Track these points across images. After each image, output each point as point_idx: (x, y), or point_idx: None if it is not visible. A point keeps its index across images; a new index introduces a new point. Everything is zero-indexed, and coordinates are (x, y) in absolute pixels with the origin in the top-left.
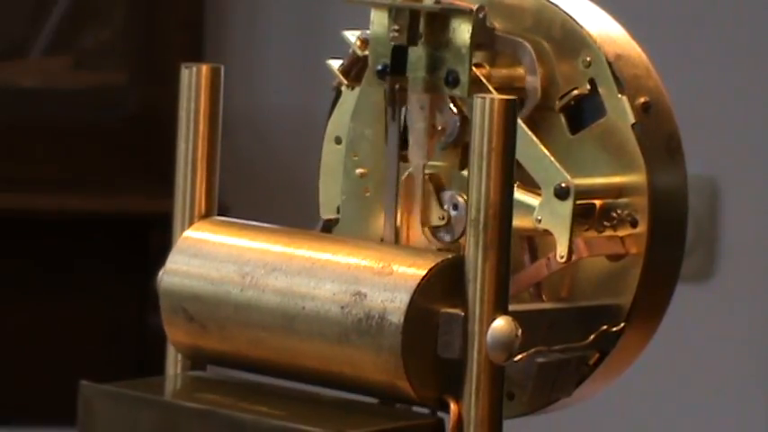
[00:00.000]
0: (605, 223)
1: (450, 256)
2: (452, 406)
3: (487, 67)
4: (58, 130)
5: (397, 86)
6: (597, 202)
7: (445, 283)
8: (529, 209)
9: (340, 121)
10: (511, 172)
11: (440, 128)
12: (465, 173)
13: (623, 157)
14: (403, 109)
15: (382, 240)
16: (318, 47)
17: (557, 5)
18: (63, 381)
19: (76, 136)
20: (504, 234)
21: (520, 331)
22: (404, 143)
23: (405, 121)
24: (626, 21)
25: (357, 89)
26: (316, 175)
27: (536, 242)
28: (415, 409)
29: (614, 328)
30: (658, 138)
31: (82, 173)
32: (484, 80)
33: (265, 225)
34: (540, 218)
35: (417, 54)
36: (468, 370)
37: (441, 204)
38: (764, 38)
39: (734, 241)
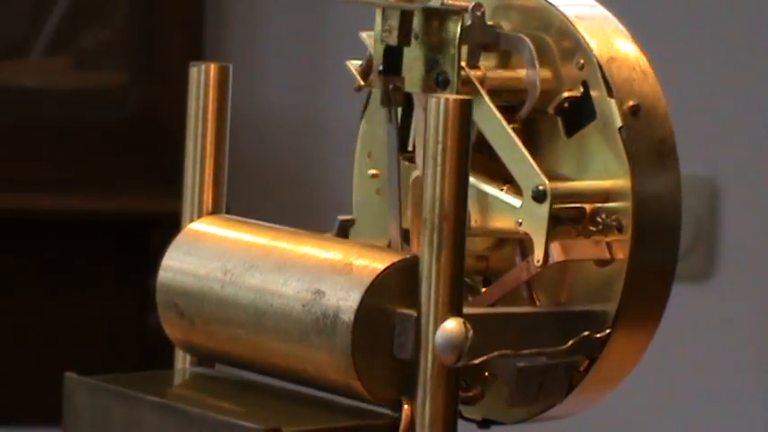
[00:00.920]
0: (591, 228)
1: (409, 255)
2: (405, 407)
3: (483, 69)
4: (58, 130)
5: (391, 87)
6: (587, 207)
7: (404, 282)
8: (513, 211)
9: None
10: (465, 172)
11: None
12: None
13: (611, 160)
14: (399, 109)
15: (389, 243)
16: (318, 47)
17: (555, 6)
18: (63, 381)
19: (76, 136)
20: (457, 235)
21: (471, 333)
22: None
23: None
24: (627, 21)
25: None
26: (316, 175)
27: (526, 244)
28: (380, 409)
29: (598, 335)
30: (648, 142)
31: (82, 173)
32: (475, 81)
33: (262, 223)
34: (520, 221)
35: (415, 54)
36: (421, 371)
37: None
38: (765, 38)
39: (734, 241)
